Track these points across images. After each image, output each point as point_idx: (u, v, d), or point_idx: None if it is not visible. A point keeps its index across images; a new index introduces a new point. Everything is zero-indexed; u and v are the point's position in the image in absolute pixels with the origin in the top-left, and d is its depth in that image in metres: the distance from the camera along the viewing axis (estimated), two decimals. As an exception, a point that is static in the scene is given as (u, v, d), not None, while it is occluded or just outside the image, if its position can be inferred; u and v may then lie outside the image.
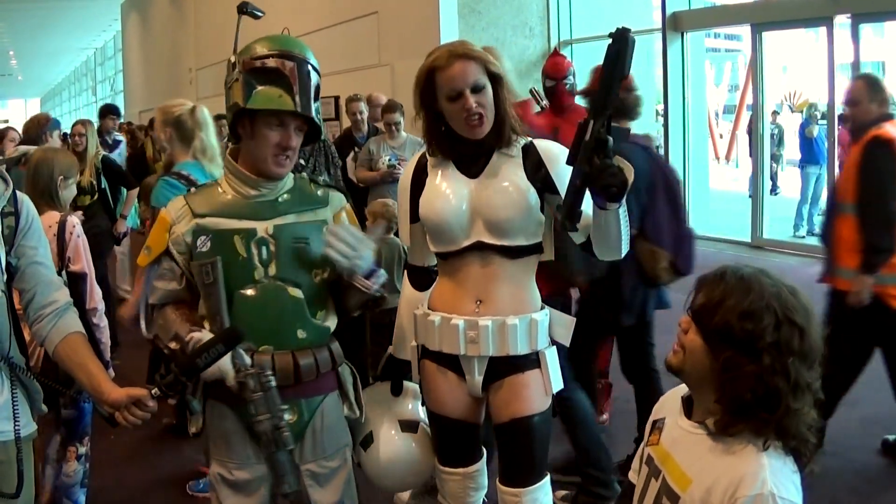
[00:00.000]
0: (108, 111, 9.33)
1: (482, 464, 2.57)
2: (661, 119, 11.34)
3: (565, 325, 2.50)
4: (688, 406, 1.76)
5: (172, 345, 2.18)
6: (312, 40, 11.67)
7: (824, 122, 10.45)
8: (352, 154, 7.08)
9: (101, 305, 3.40)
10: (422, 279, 2.62)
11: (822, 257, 4.06)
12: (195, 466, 4.04)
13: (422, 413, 2.64)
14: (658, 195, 3.62)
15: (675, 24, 10.26)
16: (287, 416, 2.15)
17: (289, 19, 12.19)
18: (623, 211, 2.12)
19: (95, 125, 7.14)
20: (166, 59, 20.60)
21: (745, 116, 15.19)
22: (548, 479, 2.48)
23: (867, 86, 3.93)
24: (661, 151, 11.19)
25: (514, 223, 2.35)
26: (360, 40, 11.23)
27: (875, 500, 3.69)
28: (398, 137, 6.57)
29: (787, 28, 10.28)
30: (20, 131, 6.81)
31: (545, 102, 4.90)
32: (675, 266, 3.63)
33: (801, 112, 14.42)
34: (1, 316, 2.06)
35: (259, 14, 2.46)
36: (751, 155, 11.42)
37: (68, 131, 7.08)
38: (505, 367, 2.41)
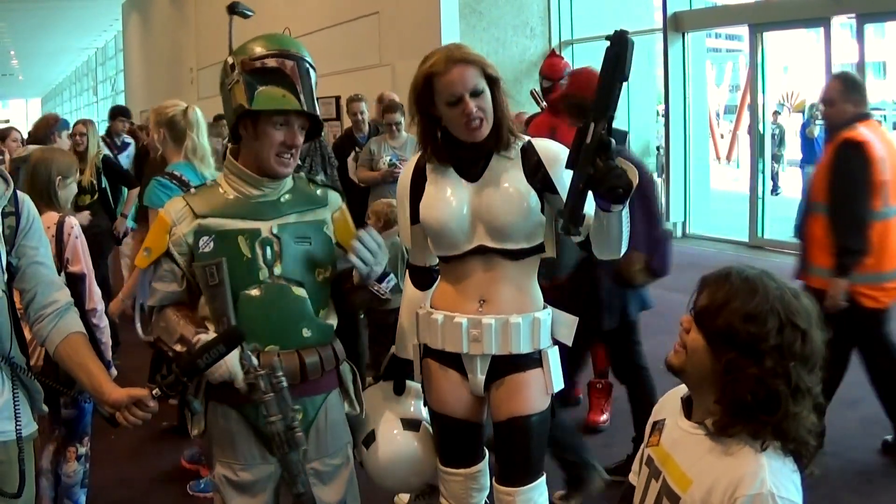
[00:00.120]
0: (118, 113, 9.13)
1: (484, 464, 2.57)
2: (662, 119, 11.35)
3: (568, 325, 2.50)
4: (687, 407, 1.76)
5: (178, 347, 2.17)
6: (313, 40, 11.68)
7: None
8: (353, 154, 7.09)
9: (101, 306, 3.40)
10: (423, 279, 2.63)
11: (798, 255, 4.10)
12: (194, 467, 4.04)
13: (424, 412, 2.65)
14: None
15: (676, 25, 10.26)
16: (299, 416, 2.17)
17: (289, 19, 12.24)
18: (625, 212, 2.12)
19: (97, 125, 7.13)
20: (167, 59, 20.61)
21: (746, 117, 15.21)
22: (543, 478, 2.48)
23: (842, 85, 3.91)
24: (662, 152, 11.21)
25: (516, 227, 2.35)
26: (361, 40, 11.23)
27: (875, 500, 3.69)
28: (399, 137, 6.58)
29: (786, 28, 10.28)
30: (22, 131, 6.82)
31: (544, 103, 4.91)
32: (650, 267, 3.64)
33: (802, 112, 14.44)
34: (2, 316, 2.06)
35: (248, 13, 2.45)
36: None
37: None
38: (507, 366, 2.42)
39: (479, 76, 2.29)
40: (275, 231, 2.25)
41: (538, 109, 4.91)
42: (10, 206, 2.10)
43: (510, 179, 2.35)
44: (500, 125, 2.33)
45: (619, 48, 1.84)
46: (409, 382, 2.68)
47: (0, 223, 2.07)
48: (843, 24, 8.78)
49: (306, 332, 2.26)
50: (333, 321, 2.35)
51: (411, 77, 2.40)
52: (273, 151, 2.22)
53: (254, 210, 2.26)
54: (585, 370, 4.67)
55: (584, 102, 3.80)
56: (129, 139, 8.89)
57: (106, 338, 3.41)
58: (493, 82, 2.31)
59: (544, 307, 2.47)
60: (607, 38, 1.86)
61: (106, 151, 7.53)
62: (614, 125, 1.93)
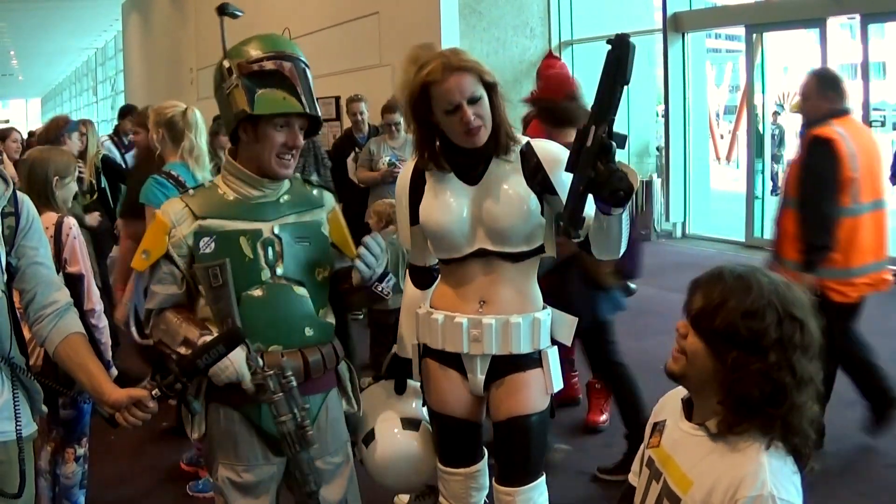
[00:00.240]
0: (127, 112, 8.96)
1: (484, 464, 2.57)
2: (661, 120, 11.34)
3: (567, 325, 2.51)
4: (688, 408, 1.76)
5: (182, 350, 2.16)
6: (313, 40, 11.68)
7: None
8: (352, 154, 7.08)
9: (100, 306, 3.40)
10: (423, 278, 2.63)
11: (771, 248, 4.16)
12: (193, 469, 4.03)
13: (424, 412, 2.65)
14: None
15: (675, 25, 10.26)
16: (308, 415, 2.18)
17: (289, 19, 12.24)
18: (626, 215, 2.12)
19: (97, 125, 7.13)
20: (167, 60, 20.59)
21: (746, 117, 15.21)
22: (543, 478, 2.48)
23: (817, 81, 3.95)
24: (662, 152, 11.21)
25: (516, 230, 2.35)
26: (361, 40, 11.22)
27: (875, 500, 3.69)
28: (398, 137, 6.58)
29: (785, 29, 10.28)
30: (22, 132, 6.81)
31: None
32: (621, 270, 3.66)
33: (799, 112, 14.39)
34: (1, 316, 2.06)
35: (238, 13, 2.44)
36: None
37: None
38: (507, 366, 2.42)
39: (476, 83, 2.27)
40: (276, 231, 2.26)
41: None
42: (9, 206, 2.09)
43: (510, 183, 2.35)
44: (498, 130, 2.33)
45: (621, 51, 1.84)
46: (409, 382, 2.69)
47: (0, 223, 2.07)
48: (842, 25, 8.78)
49: (308, 331, 2.28)
50: (332, 319, 2.37)
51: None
52: (274, 153, 2.22)
53: (254, 211, 2.27)
54: (584, 370, 4.67)
55: (554, 106, 3.82)
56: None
57: (105, 338, 3.40)
58: (490, 87, 2.30)
59: (544, 307, 2.47)
60: (608, 41, 1.85)
61: (111, 151, 7.54)
62: (614, 128, 1.93)
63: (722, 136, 19.69)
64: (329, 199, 2.44)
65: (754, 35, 9.76)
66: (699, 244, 10.10)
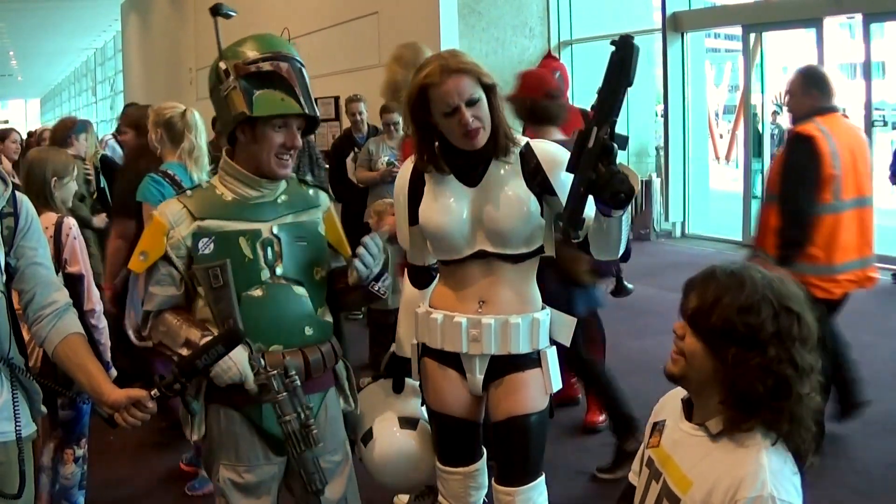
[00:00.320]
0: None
1: (482, 463, 2.57)
2: (660, 119, 11.34)
3: (566, 326, 2.50)
4: (688, 409, 1.76)
5: (183, 351, 2.15)
6: (312, 40, 11.68)
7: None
8: (351, 154, 7.08)
9: (99, 306, 3.40)
10: (422, 278, 2.63)
11: (752, 243, 4.22)
12: (193, 470, 4.03)
13: (422, 411, 2.66)
14: None
15: (675, 25, 10.26)
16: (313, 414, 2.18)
17: (288, 19, 12.23)
18: (626, 217, 2.12)
19: (96, 125, 7.13)
20: (166, 60, 20.59)
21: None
22: (542, 478, 2.48)
23: (802, 79, 3.99)
24: (661, 152, 11.21)
25: (516, 232, 2.34)
26: (360, 40, 11.21)
27: (875, 500, 3.69)
28: (397, 137, 6.57)
29: (782, 29, 10.28)
30: (22, 132, 6.81)
31: None
32: (596, 268, 3.68)
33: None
34: (0, 316, 2.06)
35: (231, 14, 2.43)
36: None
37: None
38: (506, 366, 2.42)
39: (474, 85, 2.26)
40: (275, 231, 2.27)
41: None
42: (8, 206, 2.09)
43: (510, 184, 2.35)
44: (497, 131, 2.32)
45: (625, 53, 1.83)
46: (408, 381, 2.70)
47: (-1, 224, 2.07)
48: (842, 24, 8.78)
49: (308, 331, 2.29)
50: (330, 318, 2.38)
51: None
52: (273, 153, 2.22)
53: (253, 211, 2.27)
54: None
55: (534, 104, 3.84)
56: None
57: (104, 339, 3.40)
58: (488, 89, 2.29)
59: (543, 308, 2.47)
60: (612, 42, 1.85)
61: (115, 149, 7.53)
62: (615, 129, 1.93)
63: (721, 136, 19.65)
64: (324, 198, 2.45)
65: (752, 35, 9.76)
66: (698, 244, 10.10)
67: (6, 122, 28.14)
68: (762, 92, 10.24)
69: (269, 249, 2.25)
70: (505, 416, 2.42)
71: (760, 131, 10.40)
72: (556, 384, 2.46)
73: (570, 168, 1.97)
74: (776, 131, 14.16)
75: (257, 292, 2.23)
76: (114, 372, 3.20)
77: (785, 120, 15.40)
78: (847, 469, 3.89)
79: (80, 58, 36.83)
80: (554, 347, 2.48)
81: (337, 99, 10.71)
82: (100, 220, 5.37)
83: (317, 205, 2.40)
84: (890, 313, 6.82)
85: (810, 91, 3.91)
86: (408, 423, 2.66)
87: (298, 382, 2.14)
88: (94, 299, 3.38)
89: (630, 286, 5.06)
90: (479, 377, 2.44)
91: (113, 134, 8.42)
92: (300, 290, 2.29)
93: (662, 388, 1.93)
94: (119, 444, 4.33)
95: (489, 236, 2.36)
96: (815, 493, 1.76)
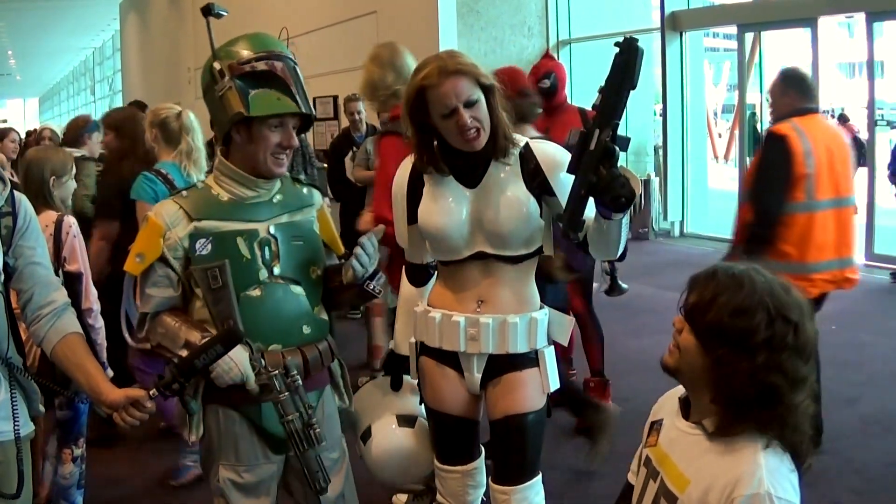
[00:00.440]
0: (137, 108, 9.09)
1: (481, 461, 2.58)
2: (659, 118, 11.35)
3: (564, 325, 2.51)
4: (685, 407, 1.76)
5: (183, 353, 2.14)
6: (311, 40, 11.68)
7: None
8: (350, 153, 7.08)
9: (97, 306, 3.40)
10: (420, 276, 2.63)
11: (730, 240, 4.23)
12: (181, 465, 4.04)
13: (421, 408, 2.66)
14: None
15: (673, 24, 10.27)
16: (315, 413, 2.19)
17: (287, 19, 12.22)
18: (626, 219, 2.12)
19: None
20: (165, 59, 20.57)
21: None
22: (539, 478, 2.48)
23: (780, 80, 4.08)
24: (660, 151, 11.21)
25: (516, 234, 2.34)
26: (359, 40, 11.20)
27: (875, 500, 3.69)
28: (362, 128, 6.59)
29: (777, 28, 10.28)
30: (20, 131, 6.79)
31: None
32: (568, 265, 3.70)
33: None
34: (-1, 316, 2.06)
35: (223, 13, 2.42)
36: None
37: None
38: (504, 365, 2.42)
39: (472, 86, 2.25)
40: (272, 231, 2.27)
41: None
42: (6, 206, 2.09)
43: (509, 186, 2.34)
44: (496, 133, 2.31)
45: (629, 55, 1.83)
46: (406, 379, 2.70)
47: (-4, 223, 2.07)
48: (840, 24, 8.78)
49: (306, 329, 2.29)
50: (326, 316, 2.39)
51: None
52: (269, 153, 2.22)
53: (249, 211, 2.27)
54: (583, 369, 4.68)
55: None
56: None
57: (101, 339, 3.40)
58: (487, 90, 2.28)
59: (541, 307, 2.47)
60: (616, 44, 1.84)
61: None
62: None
63: (720, 135, 19.66)
64: (317, 197, 2.45)
65: (746, 34, 9.76)
66: (697, 243, 10.11)
67: (4, 121, 28.08)
68: (761, 91, 10.24)
69: (266, 249, 2.25)
70: (502, 415, 2.42)
71: (759, 130, 10.40)
72: (554, 384, 2.46)
73: (571, 170, 1.96)
74: (774, 131, 14.17)
75: (255, 292, 2.23)
76: (110, 372, 3.20)
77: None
78: (846, 468, 3.89)
79: (78, 57, 36.81)
80: (552, 347, 2.48)
81: (335, 98, 10.71)
82: None
83: (311, 203, 2.41)
84: (889, 313, 6.83)
85: (788, 92, 3.98)
86: (406, 420, 2.67)
87: (300, 382, 2.14)
88: (93, 298, 3.38)
89: (624, 286, 5.05)
90: (477, 376, 2.44)
91: None
92: (297, 290, 2.30)
93: (660, 388, 1.93)
94: (118, 444, 4.32)
95: (488, 238, 2.36)
96: (813, 493, 1.77)
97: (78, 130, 5.77)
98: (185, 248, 2.22)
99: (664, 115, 10.57)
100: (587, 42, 10.85)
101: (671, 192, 10.53)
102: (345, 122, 8.00)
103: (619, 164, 1.91)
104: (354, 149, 7.02)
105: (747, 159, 10.15)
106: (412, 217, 2.46)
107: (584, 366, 4.70)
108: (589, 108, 4.46)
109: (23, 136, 8.53)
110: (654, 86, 11.51)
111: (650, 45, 10.51)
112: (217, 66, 2.21)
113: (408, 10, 10.27)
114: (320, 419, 2.32)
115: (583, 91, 7.86)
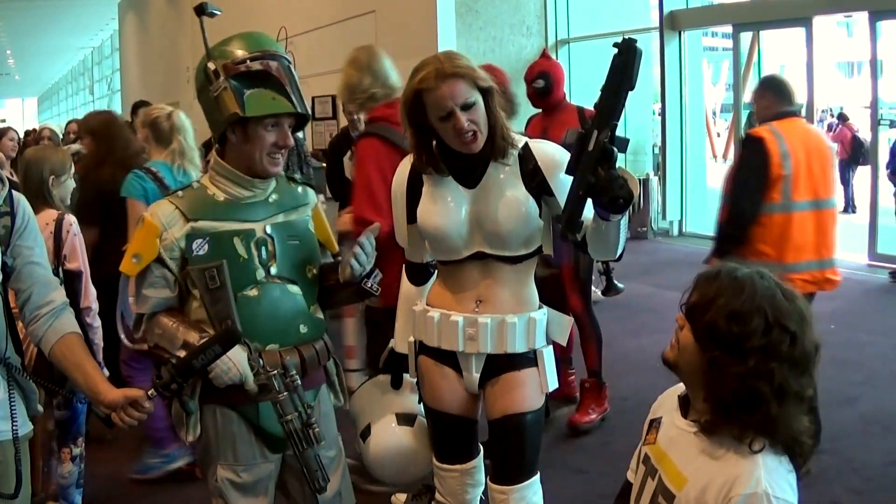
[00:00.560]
0: (139, 108, 9.02)
1: (479, 460, 2.58)
2: (658, 118, 11.35)
3: (562, 325, 2.51)
4: (684, 405, 1.76)
5: (181, 354, 2.13)
6: (309, 39, 11.67)
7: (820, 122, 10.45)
8: (349, 153, 7.07)
9: (95, 305, 3.40)
10: (420, 274, 2.63)
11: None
12: (190, 468, 4.03)
13: (420, 407, 2.67)
14: None
15: (672, 23, 10.27)
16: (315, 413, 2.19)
17: (285, 18, 12.22)
18: (624, 220, 2.12)
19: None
20: (163, 59, 20.56)
21: (743, 115, 15.26)
22: (537, 477, 2.48)
23: (760, 86, 4.20)
24: (658, 150, 11.22)
25: (515, 235, 2.34)
26: (358, 39, 11.17)
27: (875, 500, 3.69)
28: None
29: (773, 28, 10.29)
30: (19, 131, 6.77)
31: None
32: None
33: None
34: (-3, 316, 2.06)
35: (216, 12, 2.41)
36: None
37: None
38: (502, 365, 2.42)
39: (470, 89, 2.25)
40: (268, 231, 2.27)
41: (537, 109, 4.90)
42: (5, 205, 2.09)
43: (508, 186, 2.34)
44: (494, 134, 2.31)
45: (628, 56, 1.83)
46: (405, 377, 2.71)
47: (-5, 223, 2.07)
48: (839, 23, 8.77)
49: (303, 329, 2.30)
50: (321, 315, 2.39)
51: (407, 75, 2.38)
52: (265, 153, 2.22)
53: (246, 211, 2.27)
54: (581, 369, 4.68)
55: None
56: None
57: (98, 339, 3.40)
58: (485, 92, 2.28)
59: (540, 307, 2.47)
60: (615, 45, 1.84)
61: None
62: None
63: (719, 135, 19.67)
64: (312, 195, 2.45)
65: (742, 34, 9.76)
66: (696, 242, 10.10)
67: (3, 120, 28.06)
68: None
69: (263, 249, 2.25)
70: (501, 415, 2.42)
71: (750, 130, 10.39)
72: (553, 383, 2.46)
73: (570, 171, 1.96)
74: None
75: (252, 292, 2.23)
76: (106, 372, 3.20)
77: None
78: (845, 468, 3.89)
79: (77, 56, 36.81)
80: (550, 347, 2.48)
81: (334, 98, 10.69)
82: None
83: (306, 203, 2.41)
84: (888, 312, 6.83)
85: (766, 96, 4.05)
86: (405, 419, 2.68)
87: (299, 381, 2.14)
88: (91, 297, 3.38)
89: (620, 285, 5.05)
90: (476, 375, 2.44)
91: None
92: (294, 289, 2.30)
93: (659, 387, 1.93)
94: (117, 444, 4.32)
95: (487, 238, 2.36)
96: (812, 492, 1.76)
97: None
98: (181, 248, 2.21)
99: (663, 114, 10.57)
100: (586, 41, 10.84)
101: (670, 192, 10.53)
102: (343, 122, 8.00)
103: (617, 166, 1.91)
104: (353, 148, 7.02)
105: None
106: (411, 216, 2.46)
107: (584, 366, 4.69)
108: (589, 107, 4.46)
109: (21, 135, 8.51)
110: (652, 85, 11.51)
111: (649, 45, 10.52)
112: (212, 66, 2.21)
113: (406, 9, 10.27)
114: (318, 418, 2.33)
115: (582, 90, 7.86)
